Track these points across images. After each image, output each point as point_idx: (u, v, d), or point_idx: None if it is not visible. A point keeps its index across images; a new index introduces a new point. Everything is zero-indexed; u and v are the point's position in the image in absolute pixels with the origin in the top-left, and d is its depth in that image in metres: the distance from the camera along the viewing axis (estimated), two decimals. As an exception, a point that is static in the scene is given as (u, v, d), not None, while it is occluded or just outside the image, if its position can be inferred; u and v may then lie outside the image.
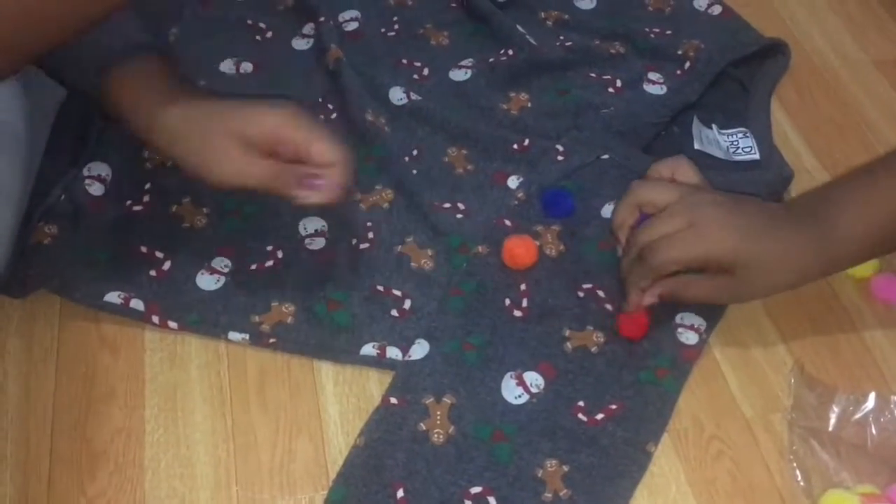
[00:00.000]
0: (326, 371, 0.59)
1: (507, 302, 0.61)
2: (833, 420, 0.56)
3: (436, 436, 0.55)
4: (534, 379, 0.58)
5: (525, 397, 0.57)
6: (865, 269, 0.64)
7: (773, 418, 0.57)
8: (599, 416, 0.56)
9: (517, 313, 0.61)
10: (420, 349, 0.58)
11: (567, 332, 0.60)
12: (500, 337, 0.59)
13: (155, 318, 0.59)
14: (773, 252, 0.55)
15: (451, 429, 0.55)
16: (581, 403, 0.57)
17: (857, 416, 0.56)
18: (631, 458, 0.54)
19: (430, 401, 0.56)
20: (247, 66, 0.75)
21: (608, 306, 0.61)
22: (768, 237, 0.56)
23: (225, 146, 0.54)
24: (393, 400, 0.56)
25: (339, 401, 0.57)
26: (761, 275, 0.56)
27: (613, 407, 0.56)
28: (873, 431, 0.55)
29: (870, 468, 0.54)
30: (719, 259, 0.56)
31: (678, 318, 0.61)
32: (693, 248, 0.56)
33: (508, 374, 0.58)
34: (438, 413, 0.55)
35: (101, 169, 0.66)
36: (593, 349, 0.59)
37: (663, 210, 0.58)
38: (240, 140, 0.54)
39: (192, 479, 0.54)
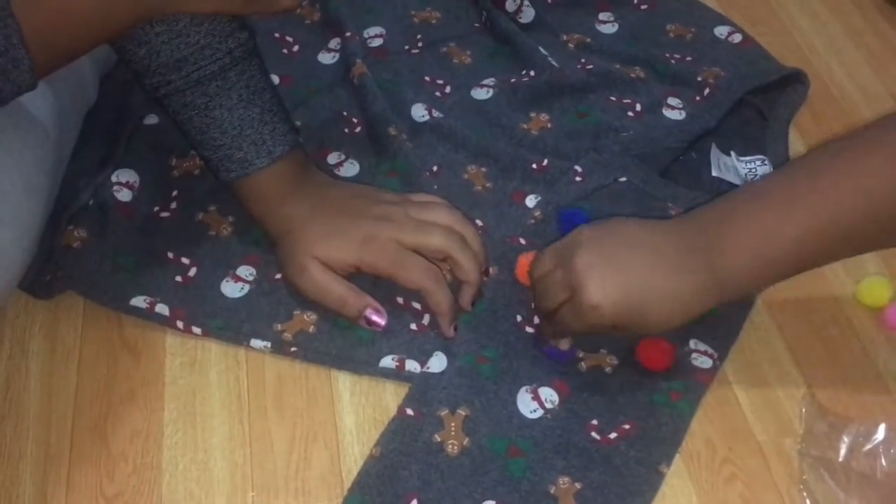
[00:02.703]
0: (343, 381, 0.60)
1: (519, 318, 0.62)
2: (843, 450, 0.56)
3: (450, 447, 0.55)
4: (549, 394, 0.58)
5: (540, 412, 0.57)
6: (880, 299, 0.65)
7: (785, 443, 0.58)
8: (613, 436, 0.57)
9: (529, 329, 0.61)
10: (438, 362, 0.59)
11: (580, 353, 0.60)
12: (514, 352, 0.60)
13: (179, 324, 0.60)
14: (662, 292, 0.53)
15: (466, 440, 0.56)
16: (595, 422, 0.57)
17: (868, 446, 0.56)
18: (643, 479, 0.55)
19: (444, 412, 0.57)
20: (273, 79, 0.76)
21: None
22: (655, 278, 0.53)
23: (305, 265, 0.59)
24: (409, 411, 0.57)
25: (356, 410, 0.58)
26: (652, 315, 0.54)
27: (627, 427, 0.57)
28: (883, 462, 0.55)
29: (879, 499, 0.54)
30: (603, 325, 0.54)
31: (692, 344, 0.61)
32: (577, 324, 0.55)
33: (524, 388, 0.58)
34: (453, 425, 0.56)
35: (130, 175, 0.67)
36: (607, 370, 0.60)
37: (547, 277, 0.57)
38: (321, 262, 0.59)
39: (208, 483, 0.55)
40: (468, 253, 0.60)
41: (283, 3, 0.56)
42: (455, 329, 0.60)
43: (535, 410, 0.57)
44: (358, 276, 0.62)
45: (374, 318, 0.59)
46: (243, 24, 0.59)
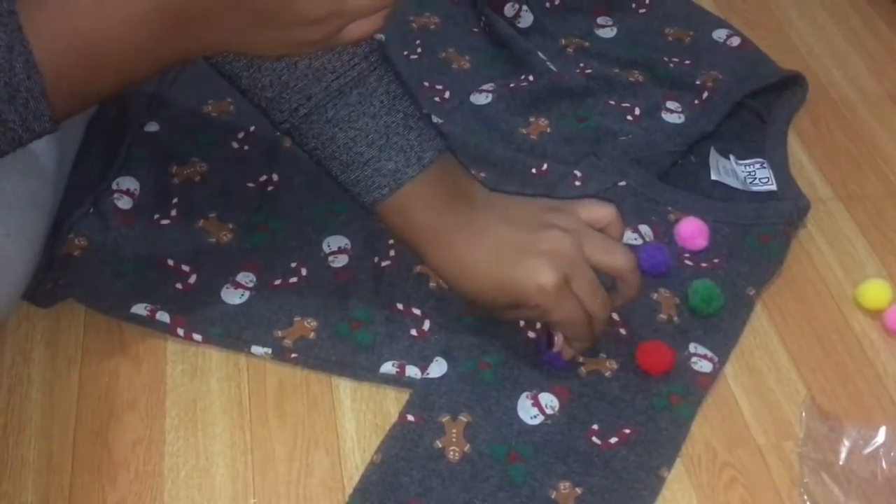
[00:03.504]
0: (344, 387, 0.60)
1: (521, 323, 0.62)
2: (844, 453, 0.56)
3: (451, 453, 0.55)
4: (549, 400, 0.58)
5: (540, 418, 0.57)
6: (880, 302, 0.65)
7: (785, 446, 0.58)
8: (613, 440, 0.57)
9: (531, 334, 0.61)
10: (438, 367, 0.59)
11: (580, 358, 0.60)
12: (515, 357, 0.60)
13: (180, 331, 0.61)
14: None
15: (467, 447, 0.56)
16: (595, 427, 0.57)
17: (868, 449, 0.56)
18: (644, 483, 0.55)
19: (446, 419, 0.57)
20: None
21: (622, 330, 0.62)
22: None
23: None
24: (410, 417, 0.57)
25: (357, 417, 0.58)
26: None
27: (627, 431, 0.57)
28: (884, 465, 0.56)
29: (880, 502, 0.54)
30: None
31: (692, 348, 0.61)
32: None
33: (524, 395, 0.58)
34: (454, 431, 0.56)
35: (130, 183, 0.67)
36: (607, 374, 0.60)
37: None
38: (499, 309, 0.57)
39: (210, 490, 0.55)
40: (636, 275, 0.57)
41: (353, 36, 0.48)
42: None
43: (535, 416, 0.57)
44: (357, 280, 0.62)
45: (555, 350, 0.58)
46: None
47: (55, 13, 0.44)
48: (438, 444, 0.56)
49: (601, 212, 0.57)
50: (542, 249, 0.55)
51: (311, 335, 0.61)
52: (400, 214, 0.56)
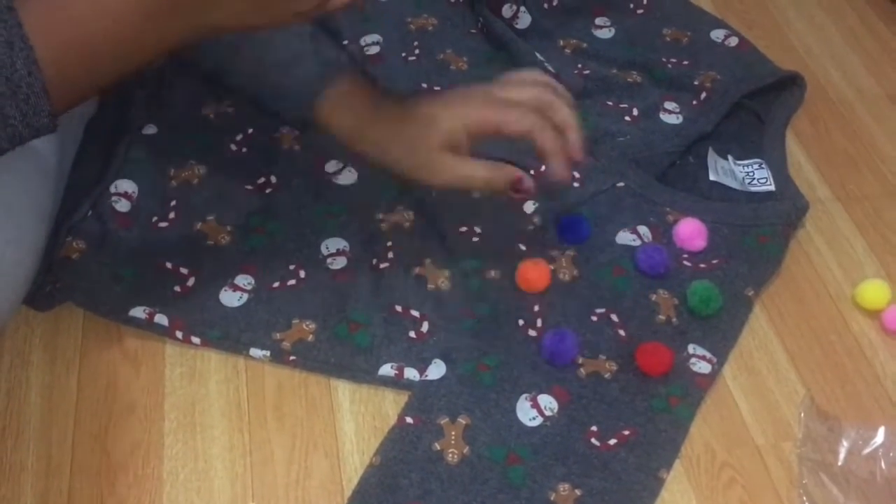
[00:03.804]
0: (343, 389, 0.60)
1: (521, 322, 0.62)
2: (843, 454, 0.56)
3: (450, 456, 0.55)
4: (548, 402, 0.58)
5: (539, 420, 0.57)
6: (879, 302, 0.65)
7: (784, 447, 0.58)
8: (612, 442, 0.57)
9: (532, 332, 0.61)
10: (436, 369, 0.59)
11: (580, 360, 0.60)
12: (515, 358, 0.60)
13: (178, 334, 0.61)
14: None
15: (466, 449, 0.56)
16: (594, 428, 0.57)
17: (867, 450, 0.56)
18: (643, 484, 0.55)
19: (444, 421, 0.57)
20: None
21: (622, 332, 0.62)
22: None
23: (434, 156, 0.57)
24: (409, 419, 0.57)
25: (355, 419, 0.58)
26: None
27: (626, 433, 0.57)
28: (882, 466, 0.56)
29: (879, 502, 0.54)
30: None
31: (690, 349, 0.61)
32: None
33: (523, 397, 0.58)
34: (453, 433, 0.56)
35: (128, 186, 0.67)
36: (606, 375, 0.60)
37: None
38: (447, 145, 0.57)
39: (209, 493, 0.55)
40: (563, 100, 0.58)
41: (339, 4, 0.49)
42: (571, 171, 0.59)
43: (534, 418, 0.57)
44: (356, 282, 0.62)
45: (525, 183, 0.58)
46: None
47: (52, 7, 0.44)
48: (437, 446, 0.56)
49: (526, 75, 0.61)
50: (463, 94, 0.59)
51: (310, 337, 0.61)
52: (338, 105, 0.59)
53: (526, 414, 0.58)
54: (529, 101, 0.58)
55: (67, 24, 0.44)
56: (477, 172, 0.58)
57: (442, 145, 0.57)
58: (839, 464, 0.56)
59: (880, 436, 0.57)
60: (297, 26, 0.61)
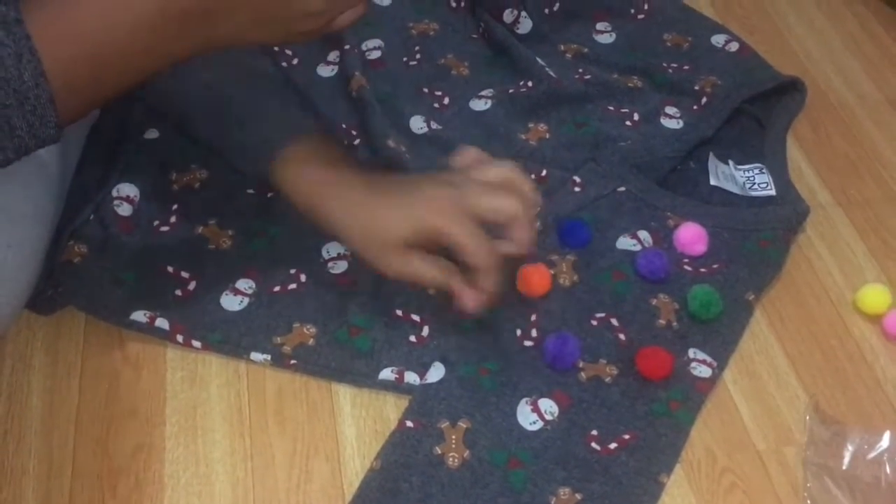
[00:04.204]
0: (344, 393, 0.60)
1: (522, 327, 0.62)
2: (847, 458, 0.56)
3: (451, 460, 0.55)
4: (548, 406, 0.58)
5: (539, 424, 0.57)
6: (879, 306, 0.65)
7: (785, 451, 0.58)
8: (613, 446, 0.57)
9: (532, 337, 0.61)
10: (437, 373, 0.59)
11: (581, 364, 0.60)
12: (515, 362, 0.60)
13: (179, 337, 0.61)
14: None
15: (466, 453, 0.56)
16: (594, 433, 0.57)
17: (872, 454, 0.56)
18: (643, 488, 0.55)
19: (445, 425, 0.57)
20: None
21: (622, 336, 0.62)
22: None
23: (385, 251, 0.56)
24: (409, 423, 0.57)
25: (356, 423, 0.58)
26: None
27: (627, 437, 0.57)
28: (887, 471, 0.56)
29: (884, 506, 0.55)
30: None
31: (691, 353, 0.61)
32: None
33: (524, 401, 0.58)
34: (453, 437, 0.56)
35: (130, 190, 0.67)
36: (607, 379, 0.60)
37: None
38: (399, 244, 0.56)
39: (210, 497, 0.55)
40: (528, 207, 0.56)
41: (344, 23, 0.50)
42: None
43: (534, 422, 0.57)
44: (356, 287, 0.62)
45: (462, 303, 0.56)
46: None
47: (60, 19, 0.44)
48: (438, 450, 0.56)
49: (495, 171, 0.57)
50: (427, 194, 0.56)
51: (311, 341, 0.61)
52: (296, 169, 0.58)
53: (526, 418, 0.58)
54: (495, 213, 0.56)
55: (75, 37, 0.45)
56: (426, 275, 0.57)
57: (395, 244, 0.56)
58: (844, 468, 0.56)
59: (885, 440, 0.57)
60: (269, 81, 0.61)
